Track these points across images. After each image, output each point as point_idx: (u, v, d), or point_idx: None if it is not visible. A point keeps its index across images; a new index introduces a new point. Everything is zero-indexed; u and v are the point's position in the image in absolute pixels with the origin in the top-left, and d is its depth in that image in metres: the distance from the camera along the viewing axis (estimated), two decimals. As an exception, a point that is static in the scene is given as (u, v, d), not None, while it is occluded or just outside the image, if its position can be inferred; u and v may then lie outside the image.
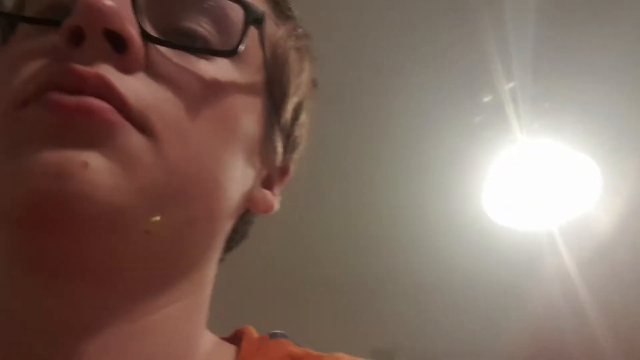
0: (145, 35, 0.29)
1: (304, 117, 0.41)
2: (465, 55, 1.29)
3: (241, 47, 0.32)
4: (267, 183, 0.39)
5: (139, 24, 0.29)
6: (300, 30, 0.40)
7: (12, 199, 0.26)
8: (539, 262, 1.69)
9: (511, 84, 1.25)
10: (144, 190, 0.28)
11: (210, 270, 0.36)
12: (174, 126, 0.29)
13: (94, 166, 0.26)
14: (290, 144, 0.40)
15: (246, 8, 0.32)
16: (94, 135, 0.27)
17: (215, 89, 0.32)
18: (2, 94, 0.28)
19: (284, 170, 0.41)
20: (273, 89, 0.36)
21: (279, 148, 0.39)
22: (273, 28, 0.37)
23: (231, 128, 0.33)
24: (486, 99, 1.32)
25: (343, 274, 1.93)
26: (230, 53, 0.32)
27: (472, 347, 1.83)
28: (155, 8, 0.31)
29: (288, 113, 0.38)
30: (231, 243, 0.39)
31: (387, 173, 1.57)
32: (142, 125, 0.28)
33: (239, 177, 0.34)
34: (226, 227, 0.36)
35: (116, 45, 0.28)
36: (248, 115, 0.34)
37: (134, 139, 0.28)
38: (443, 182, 1.53)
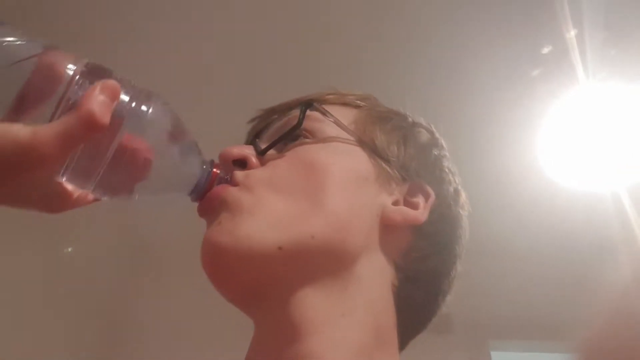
0: (258, 151, 0.51)
1: (413, 148, 0.54)
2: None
3: (300, 121, 0.51)
4: (408, 203, 0.52)
5: (255, 148, 0.52)
6: (375, 104, 0.57)
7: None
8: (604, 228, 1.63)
9: (575, 31, 1.23)
10: (259, 219, 0.45)
11: (361, 274, 0.47)
12: (267, 181, 0.48)
13: (223, 219, 0.46)
14: (411, 172, 0.53)
15: (300, 105, 0.53)
16: (217, 207, 0.47)
17: (300, 155, 0.50)
18: None
19: (417, 190, 0.52)
20: (366, 143, 0.52)
21: (396, 176, 0.52)
22: (349, 115, 0.54)
23: (321, 172, 0.48)
24: (546, 50, 1.29)
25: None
26: (296, 127, 0.51)
27: (530, 312, 1.79)
28: (267, 138, 0.54)
29: (389, 153, 0.52)
30: (415, 252, 0.51)
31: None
32: (243, 186, 0.48)
33: (355, 202, 0.48)
34: (359, 238, 0.48)
35: (242, 165, 0.51)
36: (338, 161, 0.50)
37: (239, 195, 0.47)
38: (499, 138, 1.51)
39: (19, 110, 0.38)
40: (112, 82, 0.38)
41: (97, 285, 1.92)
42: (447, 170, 0.56)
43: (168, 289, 1.97)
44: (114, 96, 0.38)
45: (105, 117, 0.36)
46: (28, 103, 0.38)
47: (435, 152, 0.56)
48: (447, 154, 0.58)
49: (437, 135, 0.59)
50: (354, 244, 0.47)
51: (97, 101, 0.36)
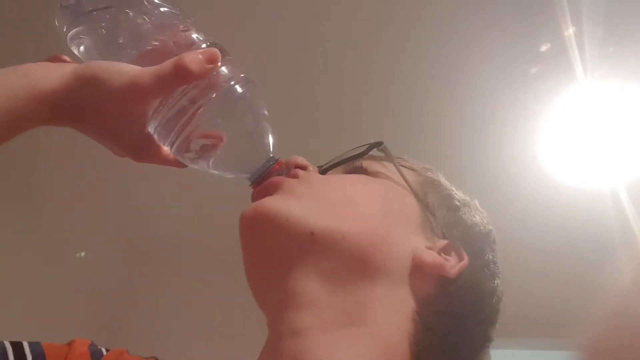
0: (321, 170, 0.57)
1: (460, 219, 0.55)
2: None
3: (365, 152, 0.56)
4: (444, 252, 0.52)
5: (316, 167, 0.57)
6: (437, 176, 0.60)
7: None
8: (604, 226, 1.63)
9: (573, 29, 1.22)
10: (306, 203, 0.48)
11: (378, 295, 0.47)
12: (325, 180, 0.53)
13: (274, 195, 0.49)
14: (452, 235, 0.54)
15: (373, 145, 0.57)
16: (270, 190, 0.50)
17: (354, 176, 0.55)
18: None
19: (453, 250, 0.53)
20: (417, 193, 0.55)
21: (437, 231, 0.53)
22: (410, 174, 0.57)
23: (367, 194, 0.52)
24: (544, 48, 1.29)
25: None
26: (360, 155, 0.56)
27: (530, 309, 1.79)
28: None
29: (437, 211, 0.54)
30: (435, 306, 0.49)
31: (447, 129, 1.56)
32: (302, 179, 0.51)
33: (393, 230, 0.50)
34: (387, 261, 0.49)
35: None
36: (387, 194, 0.53)
37: (295, 184, 0.50)
38: (498, 136, 1.51)
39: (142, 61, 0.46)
40: (213, 49, 0.45)
41: (102, 289, 1.92)
42: (488, 254, 0.56)
43: (172, 289, 1.97)
44: (211, 60, 0.44)
45: (193, 67, 0.43)
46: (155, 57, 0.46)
47: (479, 229, 0.57)
48: (495, 247, 0.57)
49: (488, 225, 0.59)
50: (381, 262, 0.48)
51: (192, 56, 0.43)
